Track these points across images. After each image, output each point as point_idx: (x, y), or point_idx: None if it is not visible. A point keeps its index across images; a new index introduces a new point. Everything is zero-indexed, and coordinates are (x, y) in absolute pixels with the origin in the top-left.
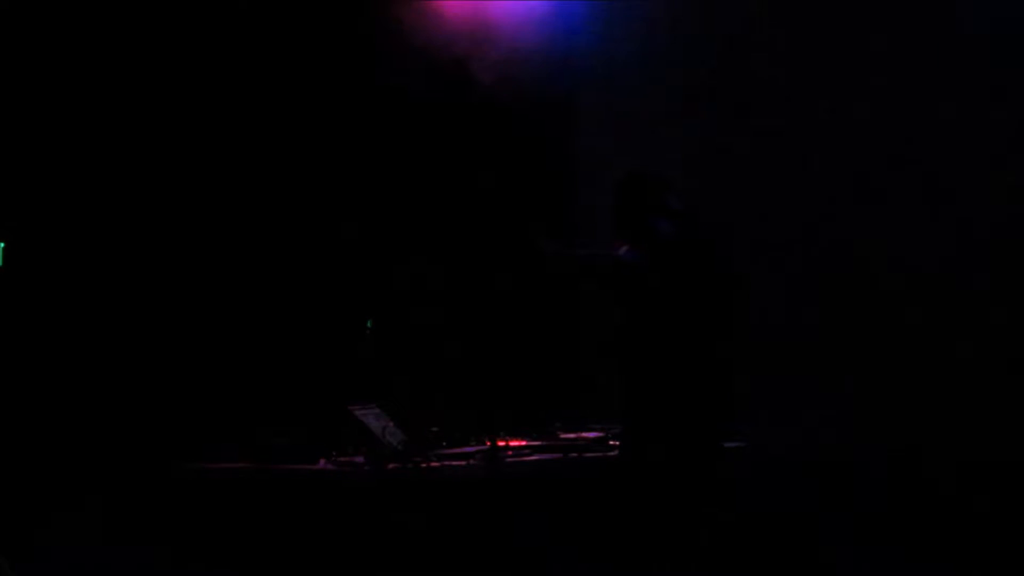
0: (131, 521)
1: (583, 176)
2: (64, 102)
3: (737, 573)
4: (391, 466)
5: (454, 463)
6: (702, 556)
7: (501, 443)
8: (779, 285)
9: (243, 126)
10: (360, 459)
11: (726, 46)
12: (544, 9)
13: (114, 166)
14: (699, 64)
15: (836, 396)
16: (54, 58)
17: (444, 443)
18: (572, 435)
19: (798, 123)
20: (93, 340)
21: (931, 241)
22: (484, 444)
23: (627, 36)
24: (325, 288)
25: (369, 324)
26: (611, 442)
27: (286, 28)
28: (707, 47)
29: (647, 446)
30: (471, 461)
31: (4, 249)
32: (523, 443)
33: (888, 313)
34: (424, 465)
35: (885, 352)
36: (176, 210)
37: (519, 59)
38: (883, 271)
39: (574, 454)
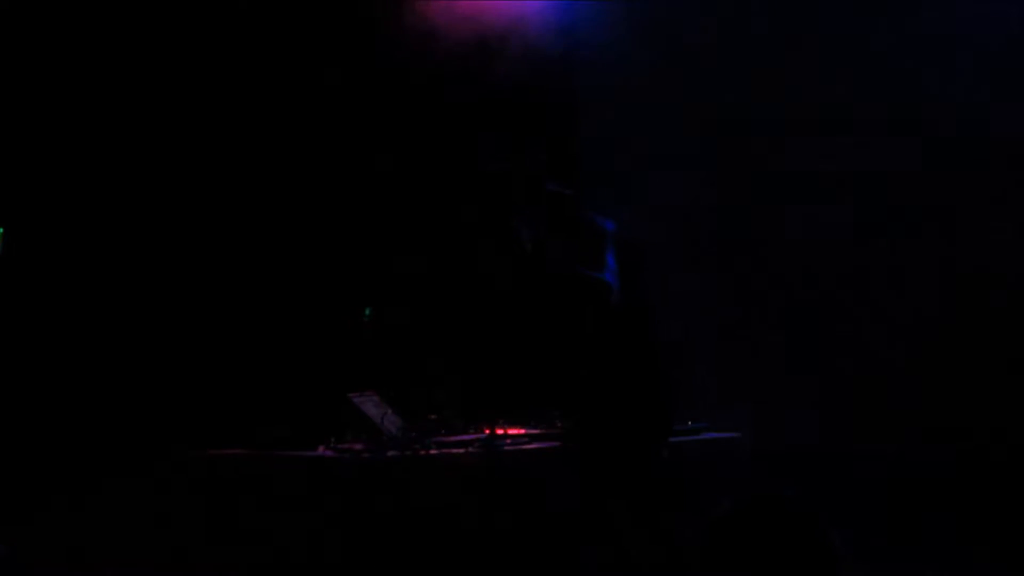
0: (132, 507)
1: (585, 169)
2: (65, 91)
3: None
4: (390, 453)
5: (453, 451)
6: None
7: (500, 431)
8: (781, 280)
9: (242, 117)
10: (359, 446)
11: (727, 41)
12: (546, 3)
13: (119, 155)
14: (702, 60)
15: (836, 390)
16: (55, 52)
17: (443, 431)
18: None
19: (803, 117)
20: (93, 329)
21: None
22: (483, 432)
23: (630, 32)
24: (324, 277)
25: (367, 312)
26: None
27: (286, 19)
28: (708, 43)
29: (602, 440)
30: (469, 449)
31: (4, 235)
32: (522, 431)
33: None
34: (423, 452)
35: (885, 345)
36: (178, 202)
37: (520, 53)
38: (884, 265)
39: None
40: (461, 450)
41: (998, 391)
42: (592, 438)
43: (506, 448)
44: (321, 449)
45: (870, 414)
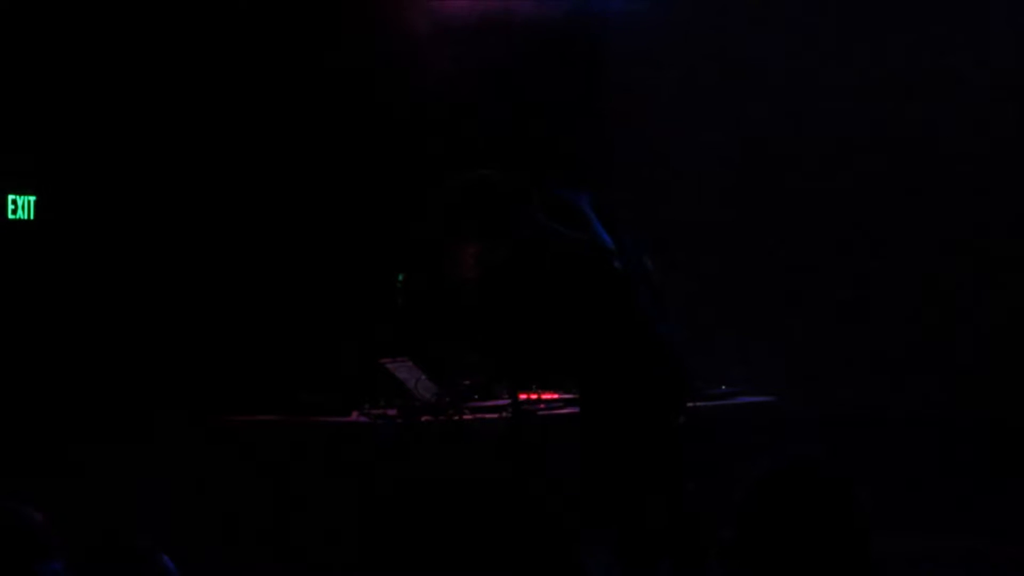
0: (164, 473)
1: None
2: (90, 63)
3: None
4: (424, 418)
5: (486, 416)
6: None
7: (533, 396)
8: (818, 258)
9: (277, 86)
10: (393, 411)
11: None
12: None
13: (157, 117)
14: (737, 52)
15: (873, 354)
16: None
17: (476, 396)
18: None
19: (838, 109)
20: (125, 291)
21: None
22: (516, 397)
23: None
24: (358, 243)
25: (400, 278)
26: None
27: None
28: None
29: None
30: (504, 414)
31: (36, 203)
32: (555, 396)
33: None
34: (456, 417)
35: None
36: (214, 169)
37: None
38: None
39: None
40: (495, 415)
41: None
42: (601, 406)
43: (540, 413)
44: (355, 415)
45: (907, 379)
